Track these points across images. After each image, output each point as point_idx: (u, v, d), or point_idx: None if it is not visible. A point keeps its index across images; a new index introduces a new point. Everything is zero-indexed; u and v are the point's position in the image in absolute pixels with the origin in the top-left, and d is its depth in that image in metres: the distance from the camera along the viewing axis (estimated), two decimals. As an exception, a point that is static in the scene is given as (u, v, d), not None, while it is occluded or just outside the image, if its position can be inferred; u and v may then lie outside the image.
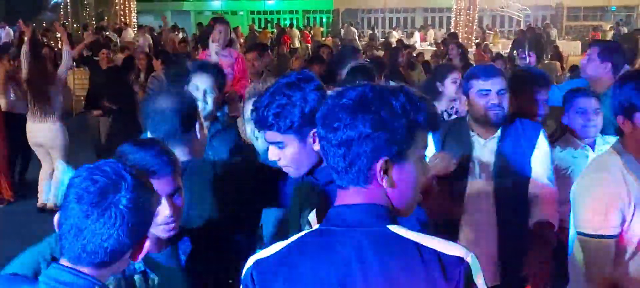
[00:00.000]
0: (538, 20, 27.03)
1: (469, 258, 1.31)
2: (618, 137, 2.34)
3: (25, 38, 7.17)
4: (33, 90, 6.68)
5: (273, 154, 1.89)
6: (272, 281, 1.37)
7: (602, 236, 2.16)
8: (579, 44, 21.47)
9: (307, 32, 25.46)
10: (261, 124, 1.85)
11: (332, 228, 1.37)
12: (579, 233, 2.24)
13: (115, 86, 7.78)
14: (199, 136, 2.28)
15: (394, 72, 7.31)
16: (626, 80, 2.22)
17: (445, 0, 21.67)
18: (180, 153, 2.08)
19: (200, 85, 3.26)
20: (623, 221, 2.15)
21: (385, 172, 1.35)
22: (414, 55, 12.52)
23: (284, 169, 1.92)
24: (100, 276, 1.38)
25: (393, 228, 1.34)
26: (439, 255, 1.30)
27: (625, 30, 21.93)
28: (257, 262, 1.41)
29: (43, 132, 6.70)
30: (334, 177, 1.40)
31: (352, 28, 24.51)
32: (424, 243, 1.32)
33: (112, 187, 1.34)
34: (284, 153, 1.86)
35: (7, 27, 17.43)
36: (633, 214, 2.14)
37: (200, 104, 3.29)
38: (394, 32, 24.35)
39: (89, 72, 10.75)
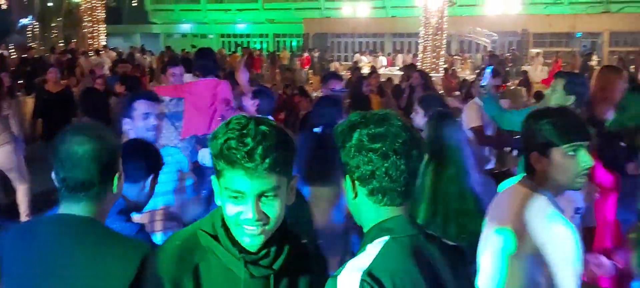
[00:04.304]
0: (505, 46, 27.47)
1: None
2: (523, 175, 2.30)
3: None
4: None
5: None
6: None
7: None
8: (546, 69, 21.79)
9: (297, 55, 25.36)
10: None
11: None
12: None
13: (61, 111, 7.61)
14: (115, 191, 1.90)
15: (359, 99, 7.28)
16: (541, 117, 2.22)
17: (414, 25, 21.84)
18: (81, 210, 1.83)
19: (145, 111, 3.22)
20: None
21: None
22: (383, 80, 12.53)
23: None
24: None
25: None
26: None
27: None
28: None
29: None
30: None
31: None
32: None
33: None
34: None
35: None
36: None
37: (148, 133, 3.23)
38: (363, 57, 24.46)
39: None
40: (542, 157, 2.18)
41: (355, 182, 1.58)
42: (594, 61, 22.37)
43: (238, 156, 1.47)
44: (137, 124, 3.26)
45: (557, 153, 2.15)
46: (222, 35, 35.29)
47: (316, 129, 4.23)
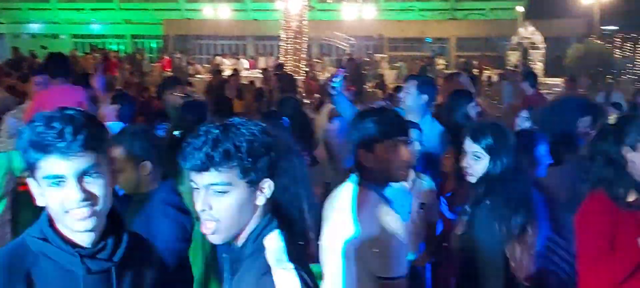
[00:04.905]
0: (362, 50, 28.58)
1: None
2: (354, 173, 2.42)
3: None
4: None
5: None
6: None
7: (401, 277, 2.24)
8: (394, 72, 22.99)
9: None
10: None
11: None
12: (392, 278, 2.23)
13: None
14: None
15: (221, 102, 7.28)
16: (365, 116, 2.40)
17: (275, 29, 22.09)
18: None
19: None
20: None
21: None
22: (245, 83, 12.59)
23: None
24: None
25: None
26: None
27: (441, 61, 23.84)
28: None
29: None
30: None
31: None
32: None
33: None
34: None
35: None
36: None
37: None
38: (225, 60, 24.32)
39: None
40: (367, 152, 2.32)
41: None
42: (441, 65, 23.99)
43: (49, 138, 1.46)
44: None
45: (380, 149, 2.31)
46: (75, 36, 33.39)
47: (176, 132, 4.20)
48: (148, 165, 2.70)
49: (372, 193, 2.32)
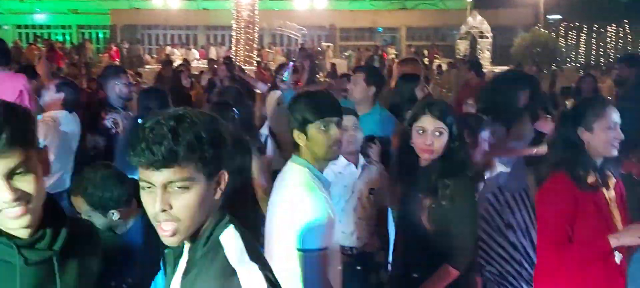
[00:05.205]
0: (314, 40, 28.62)
1: None
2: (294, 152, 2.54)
3: None
4: None
5: None
6: None
7: (325, 247, 2.33)
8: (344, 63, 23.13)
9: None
10: None
11: None
12: (307, 249, 2.33)
13: None
14: None
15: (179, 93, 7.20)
16: (299, 98, 2.51)
17: (227, 18, 21.89)
18: None
19: None
20: None
21: None
22: (196, 73, 12.44)
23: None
24: None
25: None
26: None
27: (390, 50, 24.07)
28: None
29: None
30: None
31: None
32: None
33: None
34: None
35: None
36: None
37: None
38: (175, 50, 23.98)
39: None
40: (301, 133, 2.44)
41: None
42: (392, 54, 24.23)
43: None
44: None
45: (312, 129, 2.42)
46: (19, 27, 32.34)
47: (140, 121, 4.14)
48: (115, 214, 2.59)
49: (306, 171, 2.43)
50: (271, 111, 5.60)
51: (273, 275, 1.50)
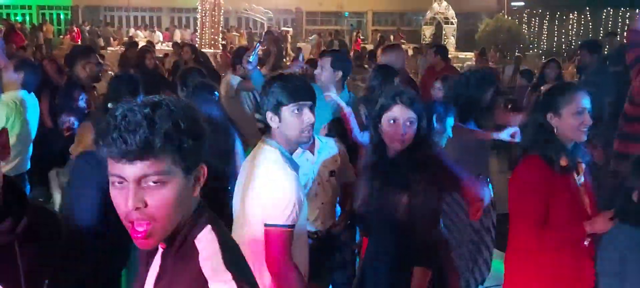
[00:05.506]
0: (280, 23, 28.43)
1: None
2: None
3: None
4: None
5: None
6: None
7: (292, 225, 2.38)
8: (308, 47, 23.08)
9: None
10: None
11: None
12: (273, 225, 2.37)
13: None
14: None
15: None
16: (273, 82, 2.53)
17: (192, 0, 21.58)
18: None
19: None
20: None
21: None
22: (160, 55, 12.26)
23: None
24: None
25: None
26: None
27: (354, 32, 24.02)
28: None
29: None
30: None
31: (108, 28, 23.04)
32: None
33: None
34: None
35: None
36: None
37: None
38: (139, 32, 23.57)
39: None
40: (274, 115, 2.47)
41: None
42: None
43: None
44: None
45: (285, 112, 2.45)
46: (-25, 6, 31.39)
47: (110, 105, 4.05)
48: None
49: (275, 151, 2.47)
50: (223, 97, 5.53)
51: (250, 281, 1.38)
